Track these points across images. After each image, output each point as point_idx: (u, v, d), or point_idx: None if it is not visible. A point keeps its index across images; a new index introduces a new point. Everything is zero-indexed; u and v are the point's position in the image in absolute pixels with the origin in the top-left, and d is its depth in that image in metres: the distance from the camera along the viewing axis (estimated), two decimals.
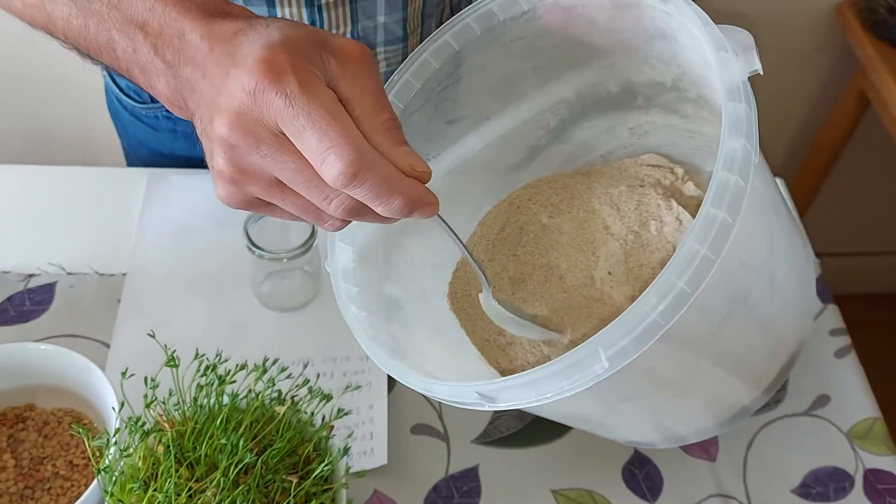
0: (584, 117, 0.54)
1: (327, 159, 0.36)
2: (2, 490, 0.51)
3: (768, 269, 0.46)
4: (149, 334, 0.48)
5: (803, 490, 0.59)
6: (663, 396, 0.47)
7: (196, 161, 0.80)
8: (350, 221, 0.42)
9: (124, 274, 0.67)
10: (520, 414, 0.61)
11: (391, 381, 0.62)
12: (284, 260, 0.62)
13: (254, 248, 0.61)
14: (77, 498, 0.50)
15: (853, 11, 1.19)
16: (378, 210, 0.38)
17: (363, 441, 0.58)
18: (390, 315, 0.49)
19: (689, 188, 0.53)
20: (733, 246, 0.36)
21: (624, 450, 0.60)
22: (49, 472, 0.52)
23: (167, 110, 0.78)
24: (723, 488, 0.58)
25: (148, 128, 0.80)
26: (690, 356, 0.44)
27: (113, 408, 0.47)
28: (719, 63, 0.38)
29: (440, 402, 0.62)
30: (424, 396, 0.61)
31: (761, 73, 0.38)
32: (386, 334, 0.47)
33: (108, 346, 0.62)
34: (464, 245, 0.46)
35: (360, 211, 0.39)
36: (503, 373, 0.52)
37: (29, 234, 0.69)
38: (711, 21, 0.39)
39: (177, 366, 0.46)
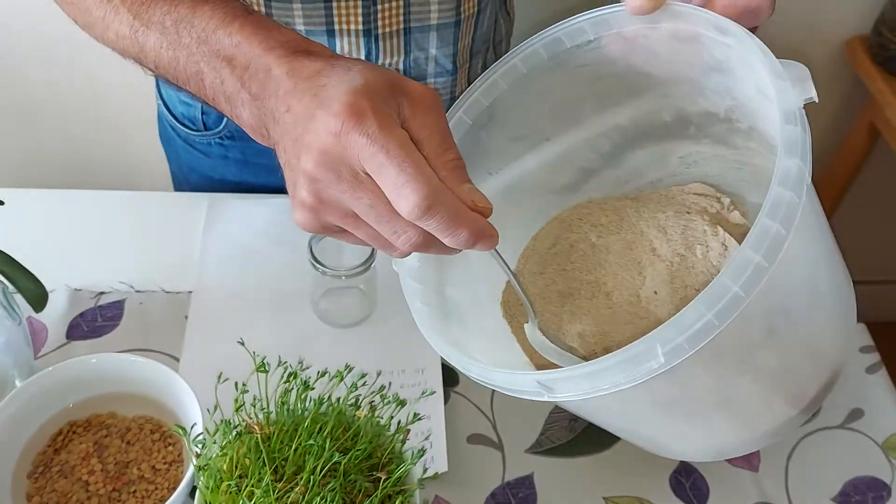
0: (636, 144, 0.58)
1: (402, 192, 0.39)
2: (91, 492, 0.54)
3: (811, 284, 0.48)
4: (238, 342, 0.51)
5: (843, 499, 0.62)
6: (706, 408, 0.50)
7: (245, 187, 0.84)
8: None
9: (190, 292, 0.70)
10: (570, 424, 0.64)
11: (447, 393, 0.65)
12: (343, 277, 0.65)
13: (317, 265, 0.65)
14: (161, 500, 0.53)
15: (863, 47, 1.25)
16: (445, 241, 0.41)
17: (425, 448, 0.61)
18: (450, 314, 0.52)
19: (735, 217, 0.56)
20: (783, 258, 0.38)
21: (670, 461, 0.63)
22: (135, 476, 0.55)
23: (219, 138, 0.83)
24: (766, 497, 0.61)
25: (200, 154, 0.84)
26: (734, 368, 0.46)
27: (208, 409, 0.50)
28: (777, 90, 0.41)
29: (493, 413, 0.65)
30: (478, 408, 0.65)
31: (816, 100, 0.41)
32: (446, 330, 0.50)
33: (176, 359, 0.65)
34: (515, 276, 0.50)
35: (426, 245, 0.42)
36: None
37: (99, 255, 0.73)
38: (770, 52, 0.43)
39: (266, 371, 0.49)
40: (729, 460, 0.63)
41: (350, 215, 0.42)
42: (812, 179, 0.41)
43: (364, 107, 0.39)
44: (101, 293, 0.70)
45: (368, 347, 0.68)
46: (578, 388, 0.41)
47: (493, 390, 0.65)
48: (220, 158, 0.84)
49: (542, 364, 0.56)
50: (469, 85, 0.78)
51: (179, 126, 0.84)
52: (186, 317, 0.68)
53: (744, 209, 0.57)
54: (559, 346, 0.54)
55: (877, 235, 1.53)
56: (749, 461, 0.63)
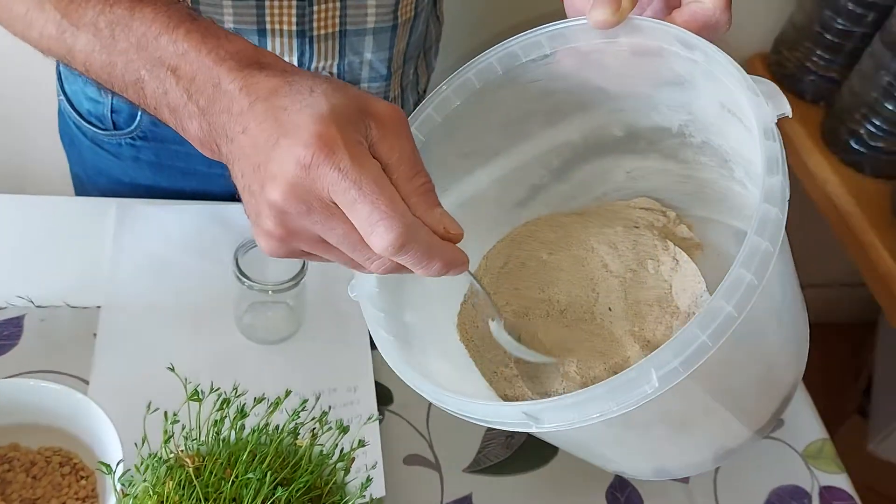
0: (584, 159, 0.57)
1: (376, 231, 0.38)
2: None
3: (780, 304, 0.49)
4: (168, 368, 0.47)
5: None
6: (669, 430, 0.50)
7: (158, 191, 0.79)
8: None
9: (98, 307, 0.64)
10: (507, 441, 0.63)
11: (381, 412, 0.63)
12: (270, 292, 0.62)
13: (243, 279, 0.61)
14: None
15: (763, 65, 1.30)
16: (418, 272, 0.41)
17: (359, 473, 0.58)
18: (410, 341, 0.50)
19: (682, 230, 0.57)
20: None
21: (606, 475, 0.63)
22: None
23: (131, 138, 0.77)
24: None
25: (109, 155, 0.78)
26: (705, 389, 0.46)
27: (135, 444, 0.46)
28: (753, 106, 0.41)
29: (430, 433, 0.63)
30: (414, 427, 0.63)
31: (790, 116, 0.42)
32: (409, 358, 0.48)
33: (85, 381, 0.60)
34: (480, 284, 0.49)
35: (398, 269, 0.41)
36: None
37: None
38: (741, 67, 0.43)
39: (201, 400, 0.45)
40: None
41: (320, 242, 0.41)
42: None
43: (334, 137, 0.38)
44: None
45: (297, 366, 0.65)
46: (566, 417, 0.40)
47: (429, 407, 0.64)
48: (132, 160, 0.78)
49: (500, 389, 0.54)
50: (401, 90, 0.77)
51: (85, 125, 0.77)
52: (95, 334, 0.63)
53: (689, 223, 0.58)
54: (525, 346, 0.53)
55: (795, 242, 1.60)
56: None
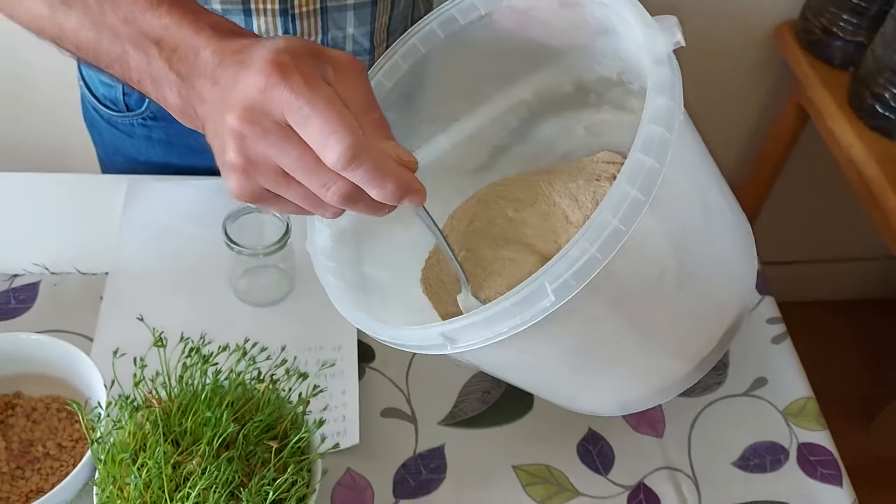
0: (542, 118, 0.59)
1: (328, 143, 0.40)
2: None
3: (703, 225, 0.49)
4: (137, 318, 0.52)
5: (742, 462, 0.64)
6: (606, 358, 0.51)
7: (171, 168, 0.84)
8: (345, 211, 0.45)
9: (106, 273, 0.70)
10: (483, 396, 0.66)
11: (361, 370, 0.66)
12: (260, 256, 0.66)
13: (232, 245, 0.65)
14: (66, 476, 0.53)
15: (791, 32, 1.28)
16: (373, 194, 0.42)
17: (337, 423, 0.62)
18: (369, 290, 0.53)
19: None
20: (664, 195, 0.39)
21: (579, 429, 0.64)
22: (39, 454, 0.55)
23: (142, 118, 0.82)
24: (669, 462, 0.63)
25: (124, 135, 0.84)
26: (635, 313, 0.47)
27: (105, 386, 0.51)
28: (646, 37, 0.42)
29: (408, 388, 0.66)
30: (394, 383, 0.66)
31: (683, 45, 0.43)
32: (363, 304, 0.51)
33: (91, 339, 0.65)
34: (447, 242, 0.50)
35: (355, 198, 0.43)
36: None
37: (13, 237, 0.72)
38: (640, 5, 0.44)
39: (164, 346, 0.50)
40: (635, 427, 0.65)
41: (280, 174, 0.43)
42: (746, 163, 0.41)
43: (288, 62, 0.41)
44: (15, 276, 0.69)
45: (287, 326, 0.69)
46: (479, 335, 0.41)
47: (409, 365, 0.67)
48: (144, 139, 0.83)
49: None
50: None
51: (102, 107, 0.83)
52: (102, 297, 0.68)
53: None
54: None
55: (810, 214, 1.57)
56: (654, 427, 0.65)
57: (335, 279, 0.50)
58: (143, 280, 0.70)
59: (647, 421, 0.65)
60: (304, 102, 0.40)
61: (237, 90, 0.41)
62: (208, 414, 0.48)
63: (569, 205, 0.59)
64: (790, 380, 0.69)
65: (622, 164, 0.60)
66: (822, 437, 0.66)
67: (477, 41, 0.53)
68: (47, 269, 0.70)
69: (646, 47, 0.42)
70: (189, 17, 0.45)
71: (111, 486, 0.47)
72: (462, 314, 0.54)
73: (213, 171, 0.82)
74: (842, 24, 1.18)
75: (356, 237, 0.55)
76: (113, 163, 0.87)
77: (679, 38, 0.42)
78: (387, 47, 0.77)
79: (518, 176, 0.63)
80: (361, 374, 0.66)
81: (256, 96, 0.41)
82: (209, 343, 0.52)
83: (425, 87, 0.55)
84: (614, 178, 0.60)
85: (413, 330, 0.44)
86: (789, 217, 1.56)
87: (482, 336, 0.41)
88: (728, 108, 1.41)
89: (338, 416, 0.63)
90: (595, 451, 0.64)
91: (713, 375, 0.69)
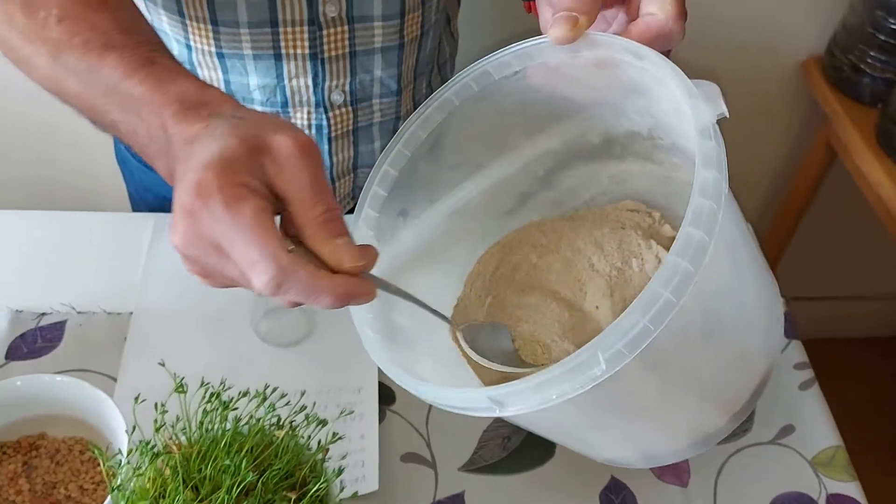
0: (568, 166, 0.60)
1: (253, 272, 0.39)
2: None
3: (739, 291, 0.50)
4: (159, 363, 0.52)
5: None
6: (642, 415, 0.51)
7: None
8: None
9: (131, 313, 0.71)
10: (503, 443, 0.65)
11: (382, 412, 0.66)
12: None
13: None
14: None
15: (818, 68, 1.27)
16: (313, 305, 0.41)
17: (356, 468, 0.62)
18: (399, 340, 0.53)
19: (667, 230, 0.58)
20: (708, 263, 0.40)
21: (601, 477, 0.63)
22: (61, 496, 0.55)
23: None
24: None
25: (154, 173, 0.85)
26: (669, 376, 0.48)
27: (126, 431, 0.51)
28: (691, 108, 0.43)
29: (429, 432, 0.65)
30: (414, 427, 0.66)
31: (727, 116, 0.43)
32: (396, 356, 0.51)
33: (115, 379, 0.66)
34: (417, 299, 0.50)
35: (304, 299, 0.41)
36: None
37: (41, 275, 0.73)
38: (683, 73, 0.45)
39: (185, 391, 0.50)
40: (659, 476, 0.64)
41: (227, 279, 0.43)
42: (774, 199, 0.42)
43: (209, 183, 0.39)
44: (43, 314, 0.70)
45: (308, 367, 0.69)
46: (529, 400, 0.42)
47: (430, 408, 0.67)
48: None
49: (491, 382, 0.57)
50: (414, 105, 0.81)
51: None
52: (126, 338, 0.69)
53: (674, 223, 0.59)
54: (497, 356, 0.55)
55: (837, 251, 1.55)
56: (679, 477, 0.64)
57: (373, 332, 0.50)
58: (167, 320, 0.70)
59: (672, 470, 0.64)
60: (225, 228, 0.39)
61: (175, 207, 0.41)
62: (227, 461, 0.48)
63: (594, 252, 0.59)
64: (819, 427, 0.68)
65: (646, 212, 0.60)
66: (852, 489, 0.64)
67: (507, 93, 0.54)
68: (74, 308, 0.71)
69: (692, 118, 0.43)
70: (162, 87, 0.45)
71: None
72: (489, 361, 0.54)
73: None
74: (870, 60, 1.17)
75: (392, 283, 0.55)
76: (144, 201, 0.89)
77: (723, 109, 0.43)
78: (414, 89, 0.79)
79: (541, 222, 0.63)
80: (382, 416, 0.66)
81: (187, 221, 0.40)
82: (229, 388, 0.53)
83: (452, 134, 0.55)
84: (639, 226, 0.60)
85: (460, 392, 0.44)
86: (819, 253, 1.54)
87: (532, 402, 0.41)
88: (756, 143, 1.40)
89: (357, 461, 0.62)
90: (618, 501, 0.62)
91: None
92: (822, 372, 0.73)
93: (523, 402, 0.42)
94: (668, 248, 0.57)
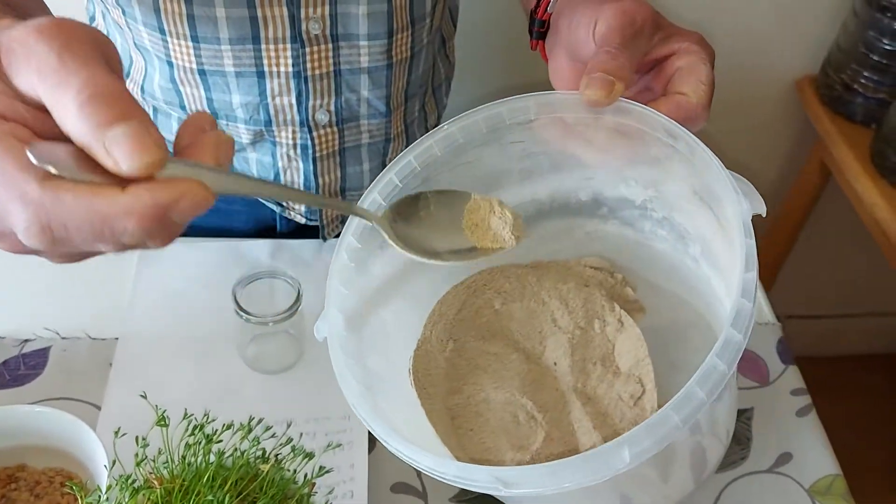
0: (548, 218, 0.59)
1: (13, 227, 0.32)
2: None
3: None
4: (140, 395, 0.51)
5: None
6: (641, 488, 0.52)
7: (192, 229, 0.84)
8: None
9: (116, 338, 0.69)
10: None
11: (371, 441, 0.65)
12: (270, 324, 0.65)
13: (241, 312, 0.64)
14: None
15: (812, 87, 1.27)
16: (136, 245, 0.33)
17: (345, 499, 0.60)
18: (374, 386, 0.51)
19: (628, 293, 0.58)
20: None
21: None
22: None
23: None
24: None
25: None
26: (666, 456, 0.48)
27: (105, 466, 0.50)
28: (733, 203, 0.43)
29: None
30: None
31: (764, 215, 0.44)
32: (375, 406, 0.49)
33: (98, 407, 0.64)
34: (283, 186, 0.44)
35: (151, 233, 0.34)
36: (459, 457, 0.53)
37: (24, 300, 0.72)
38: (723, 165, 0.44)
39: (166, 425, 0.48)
40: None
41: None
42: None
43: None
44: (26, 340, 0.69)
45: (295, 394, 0.67)
46: (539, 484, 0.41)
47: None
48: None
49: (449, 443, 0.53)
50: (405, 127, 0.79)
51: None
52: (111, 364, 0.67)
53: (634, 285, 0.59)
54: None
55: (831, 269, 1.54)
56: None
57: (356, 382, 0.48)
58: (153, 346, 0.69)
59: None
60: None
61: None
62: (210, 496, 0.46)
63: (557, 307, 0.58)
64: (816, 455, 0.67)
65: (609, 272, 0.60)
66: None
67: (514, 140, 0.53)
68: (58, 333, 0.70)
69: (738, 214, 0.43)
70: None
71: None
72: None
73: (225, 231, 0.82)
74: (863, 80, 1.17)
75: (362, 323, 0.54)
76: None
77: (762, 208, 0.43)
78: (405, 111, 0.78)
79: (505, 267, 0.61)
80: (371, 445, 0.64)
81: None
82: (213, 420, 0.51)
83: (449, 170, 0.54)
84: (602, 285, 0.59)
85: (462, 467, 0.42)
86: (815, 271, 1.53)
87: (543, 485, 0.40)
88: (751, 162, 1.39)
89: (346, 491, 0.61)
90: None
91: (736, 450, 0.66)
92: (817, 390, 0.72)
93: (532, 485, 0.41)
94: (628, 311, 0.57)
